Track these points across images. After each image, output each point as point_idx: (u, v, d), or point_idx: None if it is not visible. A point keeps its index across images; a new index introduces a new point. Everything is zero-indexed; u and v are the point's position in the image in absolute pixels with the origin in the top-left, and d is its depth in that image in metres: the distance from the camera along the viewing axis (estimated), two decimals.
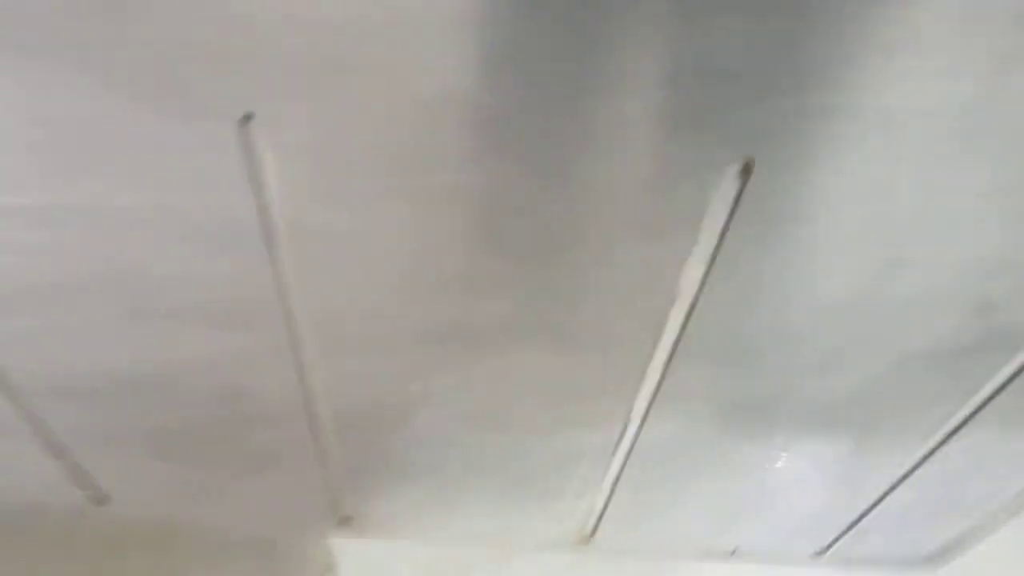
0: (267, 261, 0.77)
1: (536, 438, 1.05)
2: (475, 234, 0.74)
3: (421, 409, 0.99)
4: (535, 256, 0.76)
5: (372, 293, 0.80)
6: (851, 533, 1.33)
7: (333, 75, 0.60)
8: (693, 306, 0.82)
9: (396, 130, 0.64)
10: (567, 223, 0.73)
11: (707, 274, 0.78)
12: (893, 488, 1.18)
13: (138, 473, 1.20)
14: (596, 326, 0.84)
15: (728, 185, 0.69)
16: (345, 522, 1.33)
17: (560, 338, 0.85)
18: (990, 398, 0.97)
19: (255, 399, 1.00)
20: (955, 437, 1.04)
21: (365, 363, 0.92)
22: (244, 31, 0.57)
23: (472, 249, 0.75)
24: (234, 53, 0.58)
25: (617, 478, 1.15)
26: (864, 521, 1.29)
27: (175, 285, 0.81)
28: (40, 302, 0.83)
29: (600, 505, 1.23)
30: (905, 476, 1.15)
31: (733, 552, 1.39)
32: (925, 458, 1.10)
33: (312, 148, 0.66)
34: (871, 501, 1.22)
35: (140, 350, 0.92)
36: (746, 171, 0.68)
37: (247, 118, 0.64)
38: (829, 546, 1.37)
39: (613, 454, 1.09)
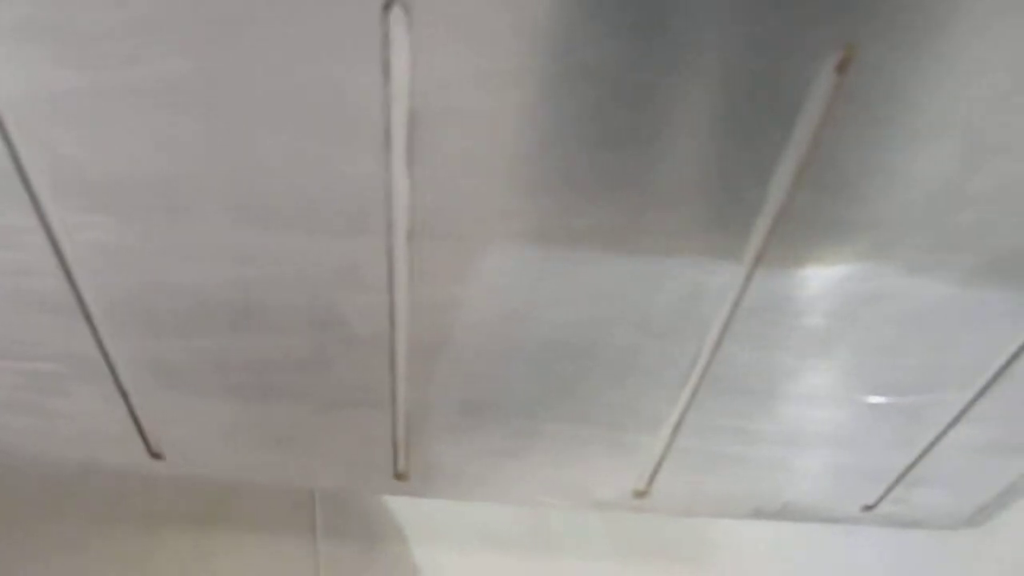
0: (383, 161, 0.81)
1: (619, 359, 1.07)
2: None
3: (508, 329, 1.02)
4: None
5: (484, 185, 0.84)
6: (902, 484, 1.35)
7: None
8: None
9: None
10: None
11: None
12: (950, 427, 1.21)
13: (203, 418, 1.20)
14: (688, 232, 0.88)
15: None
16: (401, 478, 1.33)
17: (662, 239, 0.89)
18: None
19: (344, 326, 1.02)
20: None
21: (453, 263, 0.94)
22: None
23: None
24: None
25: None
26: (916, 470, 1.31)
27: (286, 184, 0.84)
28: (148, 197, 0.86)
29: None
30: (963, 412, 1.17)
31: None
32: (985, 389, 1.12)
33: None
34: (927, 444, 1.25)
35: (235, 264, 0.94)
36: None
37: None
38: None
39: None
